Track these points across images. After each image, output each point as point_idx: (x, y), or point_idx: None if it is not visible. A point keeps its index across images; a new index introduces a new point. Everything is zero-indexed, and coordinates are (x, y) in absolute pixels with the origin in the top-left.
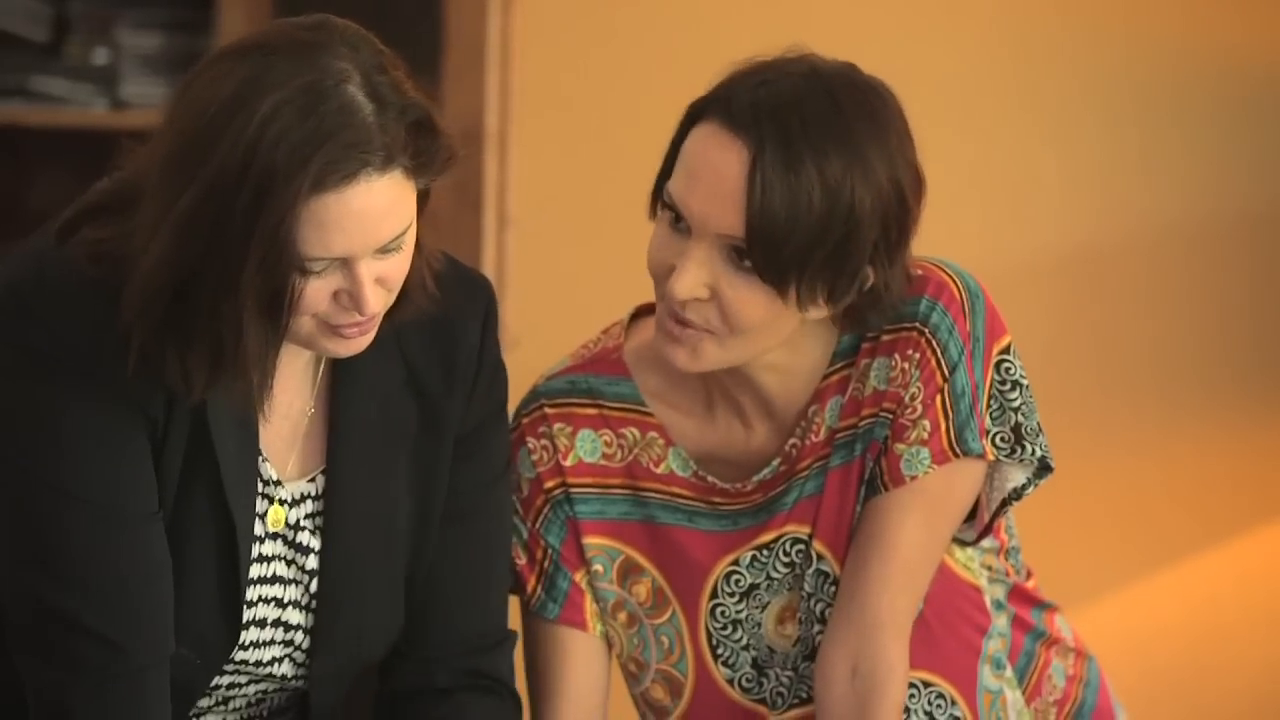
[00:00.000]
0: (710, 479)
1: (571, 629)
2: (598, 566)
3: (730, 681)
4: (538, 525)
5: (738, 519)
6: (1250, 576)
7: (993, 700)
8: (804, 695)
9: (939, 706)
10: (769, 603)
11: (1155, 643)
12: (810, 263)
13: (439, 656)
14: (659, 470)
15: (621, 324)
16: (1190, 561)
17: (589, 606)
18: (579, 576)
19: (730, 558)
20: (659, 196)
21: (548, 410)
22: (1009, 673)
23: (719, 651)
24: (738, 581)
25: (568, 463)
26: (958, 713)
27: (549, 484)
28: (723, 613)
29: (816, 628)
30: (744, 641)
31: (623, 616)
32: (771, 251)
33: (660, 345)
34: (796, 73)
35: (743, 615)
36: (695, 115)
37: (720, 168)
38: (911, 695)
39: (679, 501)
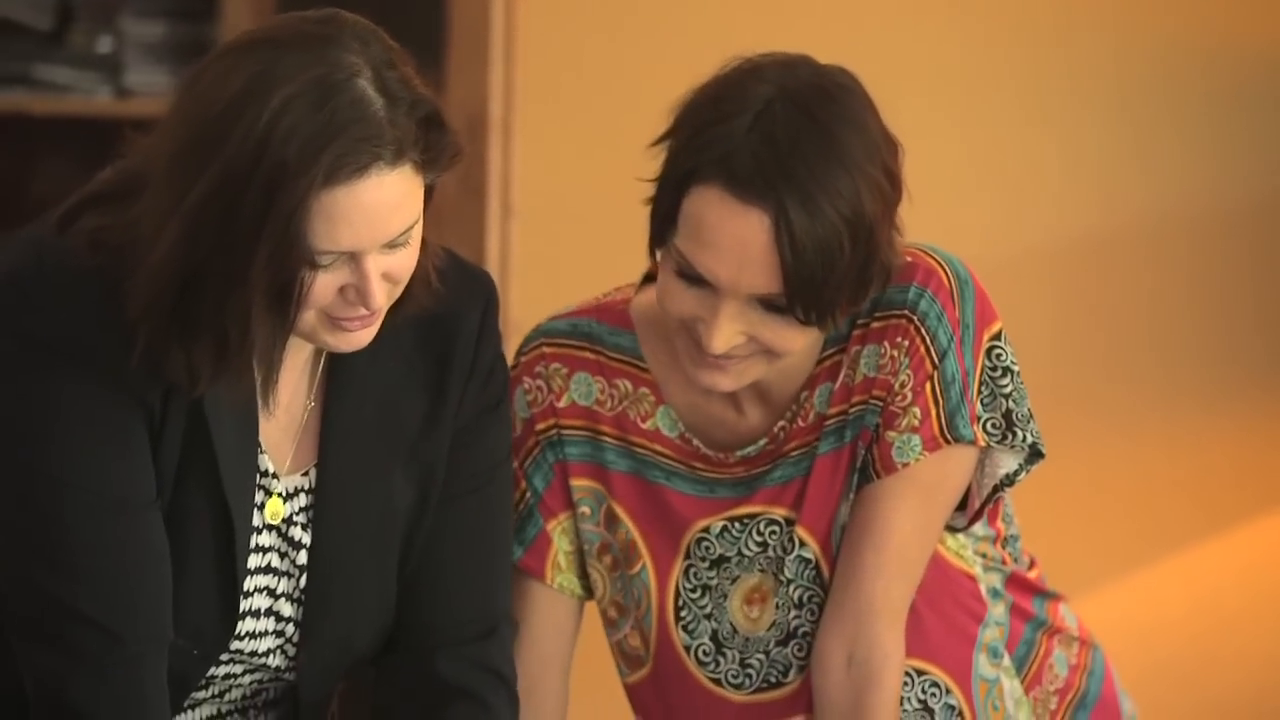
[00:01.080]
0: (695, 443)
1: (529, 576)
2: (584, 509)
3: (687, 649)
4: (525, 465)
5: (715, 487)
6: (1253, 566)
7: (989, 689)
8: (774, 679)
9: (933, 695)
10: (738, 578)
11: (1158, 632)
12: (845, 289)
13: (437, 645)
14: (645, 426)
15: (633, 284)
16: (1193, 551)
17: (552, 557)
18: (551, 525)
19: (702, 523)
20: (658, 245)
21: (546, 349)
22: (1006, 661)
23: (683, 615)
24: (708, 549)
25: (561, 404)
26: (953, 701)
27: (541, 425)
28: (695, 575)
29: (794, 613)
30: (708, 610)
31: (607, 560)
32: (812, 297)
33: (695, 373)
34: (767, 97)
35: (713, 583)
36: (686, 176)
37: (743, 235)
38: (906, 683)
39: (659, 459)
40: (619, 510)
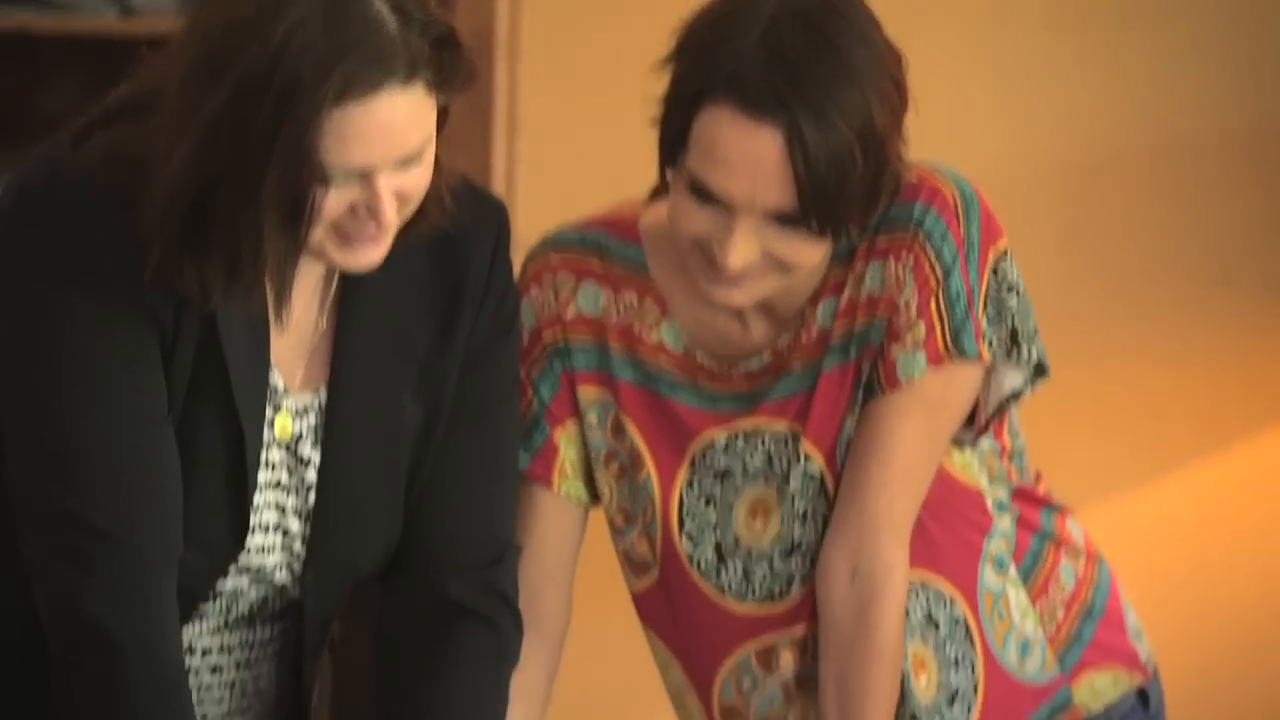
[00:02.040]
0: (699, 357)
1: (537, 483)
2: (591, 417)
3: (690, 559)
4: (531, 374)
5: (718, 401)
6: (1258, 480)
7: (994, 600)
8: (777, 592)
9: (939, 607)
10: (741, 489)
11: (1163, 546)
12: (859, 201)
13: (446, 568)
14: (650, 338)
15: (642, 198)
16: (1198, 465)
17: (558, 465)
18: (558, 433)
19: (708, 435)
20: (669, 165)
21: (554, 259)
22: (1013, 572)
23: (686, 525)
24: (713, 461)
25: (568, 314)
26: (958, 613)
27: (548, 334)
28: (700, 486)
29: (797, 526)
30: (712, 521)
31: (614, 468)
32: (826, 211)
33: (708, 289)
34: (771, 13)
35: (717, 495)
36: (696, 96)
37: (755, 152)
38: (911, 596)
39: (664, 372)
40: (625, 420)
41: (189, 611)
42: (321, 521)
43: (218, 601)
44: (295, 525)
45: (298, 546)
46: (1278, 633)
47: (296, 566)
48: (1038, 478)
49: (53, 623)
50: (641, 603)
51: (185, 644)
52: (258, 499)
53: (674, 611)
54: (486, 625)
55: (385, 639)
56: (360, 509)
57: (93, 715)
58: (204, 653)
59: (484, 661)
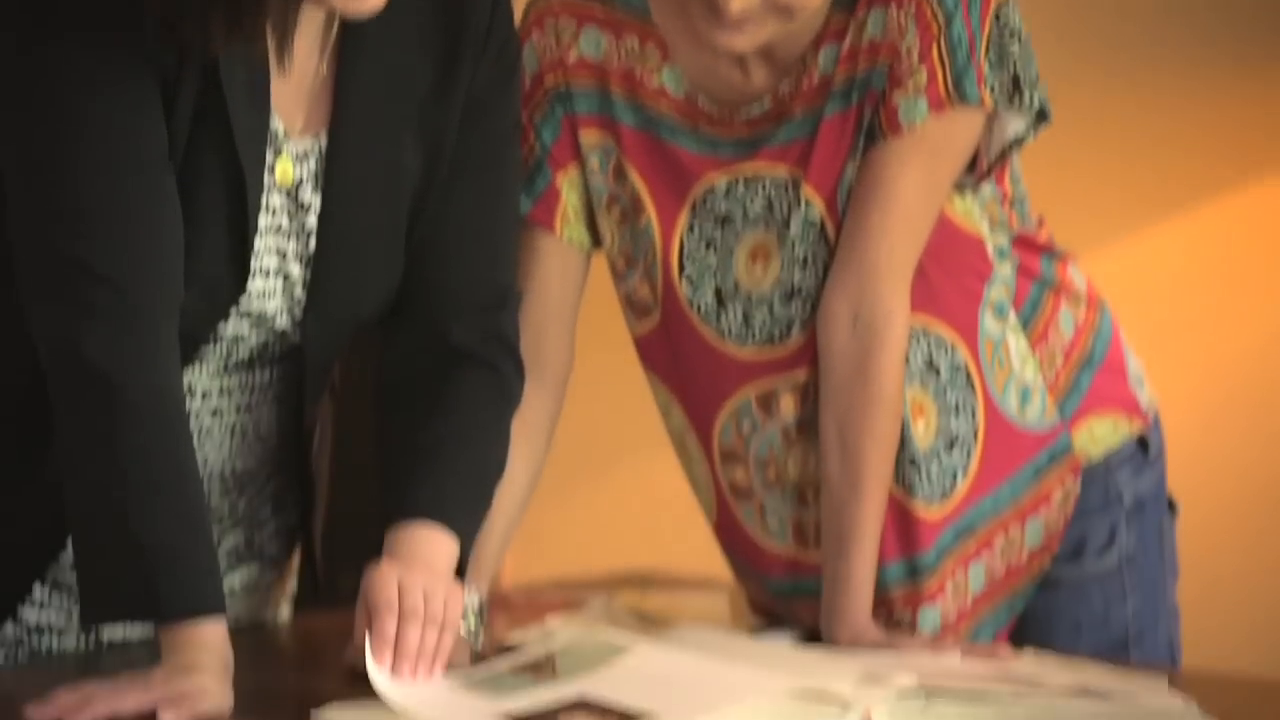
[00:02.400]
0: (700, 102)
1: (540, 228)
2: (593, 161)
3: (690, 303)
4: (533, 119)
5: (719, 146)
6: (1259, 224)
7: (995, 346)
8: (776, 336)
9: (939, 352)
10: (742, 234)
11: (1165, 291)
12: None
13: (448, 313)
14: (652, 83)
15: None
16: (1200, 209)
17: (560, 209)
18: (560, 178)
19: (708, 179)
20: None
21: (555, 3)
22: (1012, 319)
23: (686, 269)
24: (713, 205)
25: (570, 58)
26: (959, 359)
27: (550, 78)
28: (700, 230)
29: (797, 271)
30: (712, 265)
31: (616, 212)
32: None
33: (710, 35)
34: None
35: (717, 239)
36: None
37: None
38: (912, 341)
39: (665, 116)
40: (627, 164)
41: (189, 355)
42: (322, 266)
43: (218, 345)
44: (296, 270)
45: (298, 291)
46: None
47: (297, 311)
48: (1040, 223)
49: (53, 367)
50: (642, 346)
51: (186, 387)
52: (258, 244)
53: (675, 355)
54: (488, 368)
55: (386, 382)
56: (360, 254)
57: (93, 456)
58: (204, 395)
59: (485, 403)
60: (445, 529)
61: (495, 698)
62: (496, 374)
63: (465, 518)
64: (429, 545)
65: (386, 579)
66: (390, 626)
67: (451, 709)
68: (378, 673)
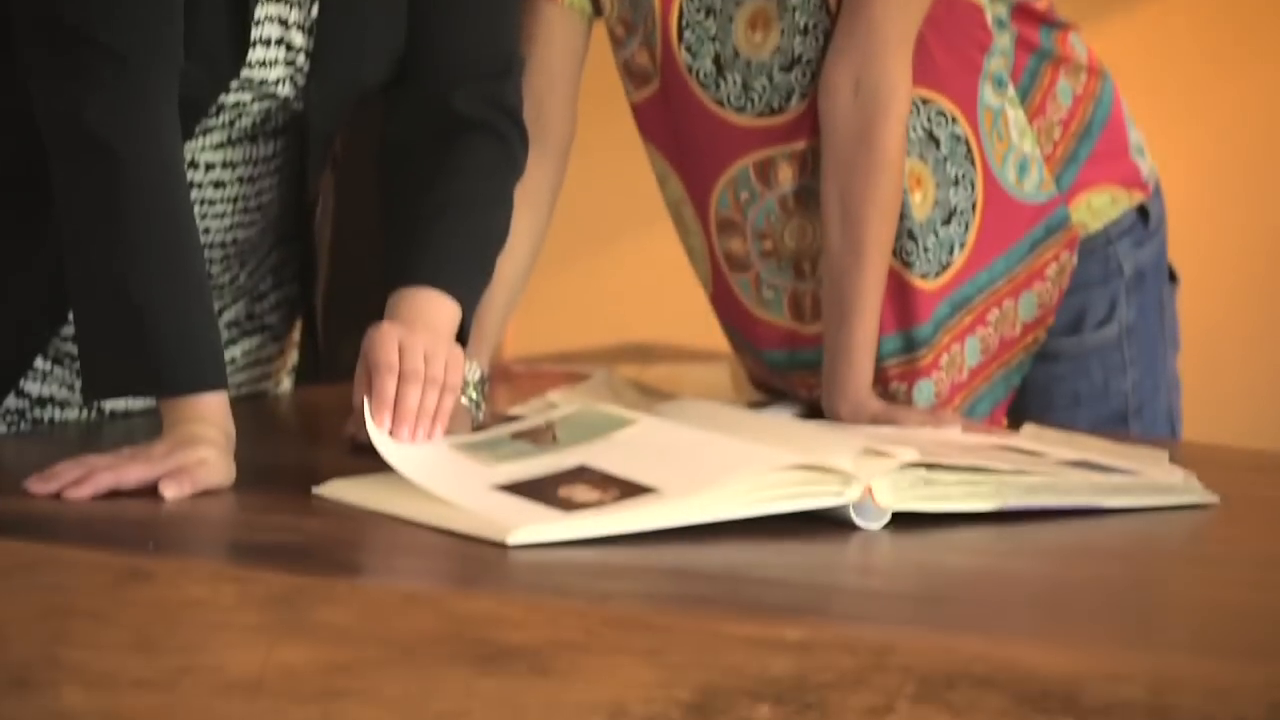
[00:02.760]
0: None
1: None
2: None
3: (690, 69)
4: None
5: None
6: None
7: (993, 117)
8: (776, 105)
9: (939, 123)
10: (742, 1)
11: (1169, 58)
12: None
13: (451, 80)
14: None
15: None
16: None
17: None
18: None
19: None
20: None
21: None
22: (1011, 91)
23: (686, 35)
24: None
25: None
26: (958, 130)
27: None
28: None
29: (798, 39)
30: (712, 32)
31: None
32: None
33: None
34: None
35: (717, 6)
36: None
37: None
38: (912, 112)
39: None
40: None
41: (191, 126)
42: (324, 32)
43: (221, 116)
44: (298, 39)
45: (301, 60)
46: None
47: (300, 79)
48: None
49: (54, 136)
50: (641, 114)
51: (189, 159)
52: (259, 12)
53: (673, 124)
54: (492, 134)
55: (387, 150)
56: (363, 19)
57: (93, 226)
58: (207, 167)
59: (488, 169)
60: (447, 294)
61: (492, 463)
62: (500, 140)
63: (467, 284)
64: (431, 308)
65: (387, 339)
66: (390, 387)
67: (446, 473)
68: (376, 433)
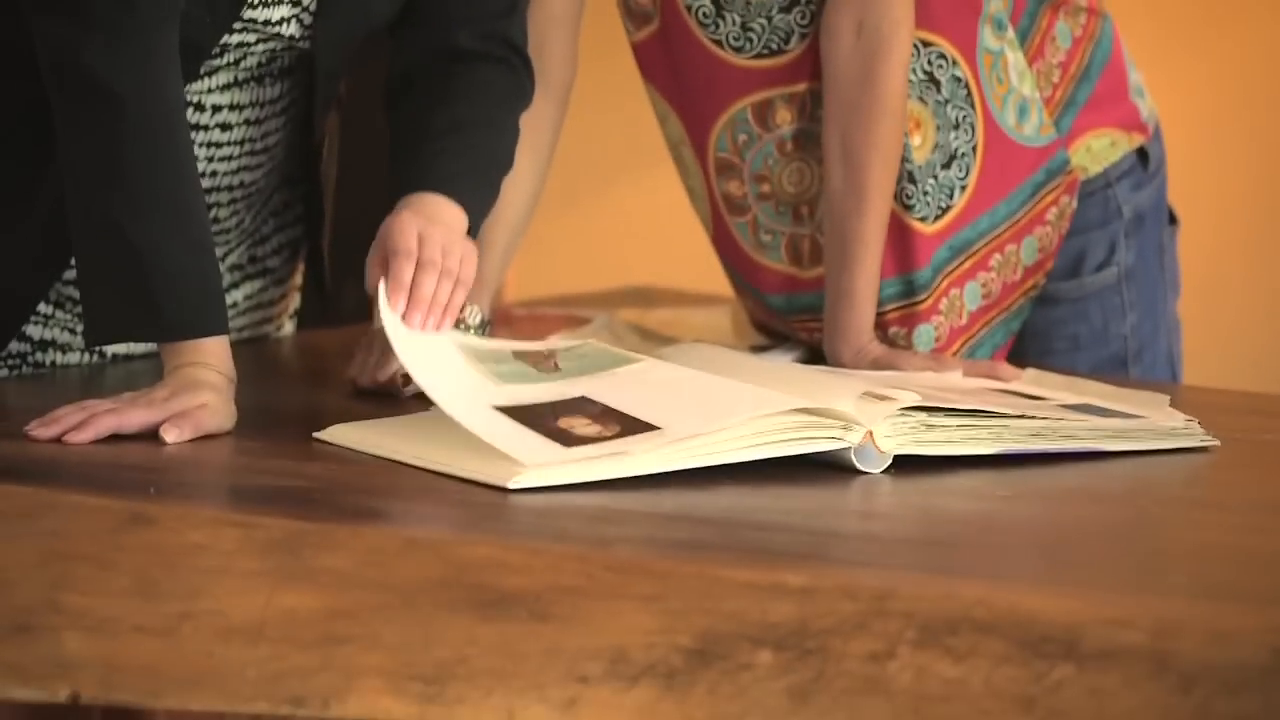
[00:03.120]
0: None
1: None
2: None
3: (689, 9)
4: None
5: None
6: None
7: (993, 60)
8: (775, 46)
9: (939, 66)
10: None
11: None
12: None
13: (459, 18)
14: None
15: None
16: None
17: None
18: None
19: None
20: None
21: None
22: (1010, 34)
23: None
24: None
25: None
26: (958, 72)
27: None
28: None
29: None
30: None
31: None
32: None
33: None
34: None
35: None
36: None
37: None
38: (913, 55)
39: None
40: None
41: (195, 68)
42: None
43: (225, 57)
44: None
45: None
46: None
47: (305, 19)
48: None
49: (54, 79)
50: (641, 53)
51: (195, 102)
52: None
53: (672, 64)
54: (499, 65)
55: (394, 81)
56: None
57: (93, 168)
58: (214, 109)
59: (496, 95)
60: (456, 203)
61: (494, 381)
62: (509, 70)
63: (477, 198)
64: (443, 209)
65: (407, 226)
66: (407, 272)
67: (449, 380)
68: (389, 316)
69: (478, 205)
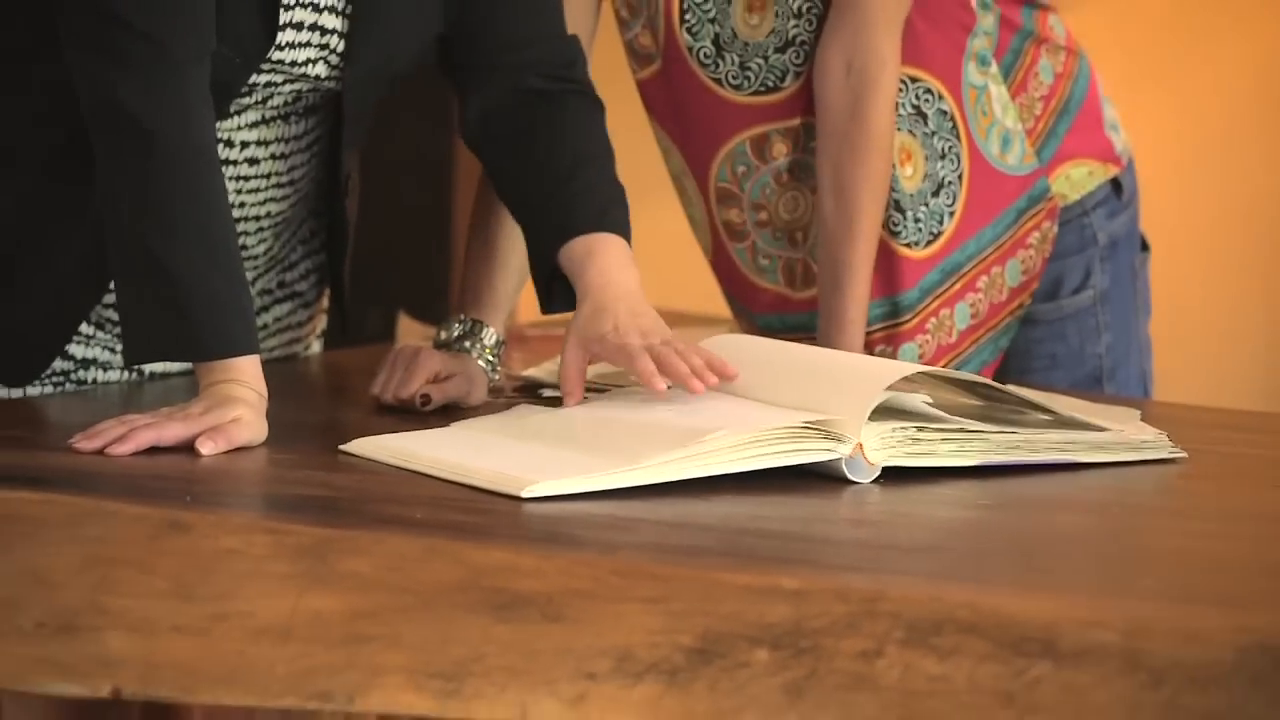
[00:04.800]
0: None
1: None
2: None
3: (690, 50)
4: None
5: None
6: None
7: (978, 95)
8: (771, 84)
9: (926, 100)
10: None
11: (1141, 38)
12: None
13: (528, 63)
14: None
15: None
16: None
17: None
18: None
19: None
20: None
21: None
22: (994, 69)
23: (687, 18)
24: None
25: None
26: (944, 106)
27: None
28: None
29: (792, 22)
30: (711, 14)
31: None
32: None
33: None
34: None
35: None
36: None
37: None
38: (900, 90)
39: None
40: None
41: (225, 106)
42: (359, 13)
43: (253, 96)
44: (331, 22)
45: (334, 42)
46: (1252, 119)
47: (333, 60)
48: None
49: (92, 115)
50: (645, 91)
51: (226, 138)
52: None
53: (675, 100)
54: (580, 96)
55: (474, 124)
56: (396, 2)
57: (129, 199)
58: (243, 145)
59: (590, 122)
60: (614, 234)
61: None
62: (583, 98)
63: (626, 223)
64: (611, 261)
65: (607, 335)
66: (648, 363)
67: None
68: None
69: (628, 228)
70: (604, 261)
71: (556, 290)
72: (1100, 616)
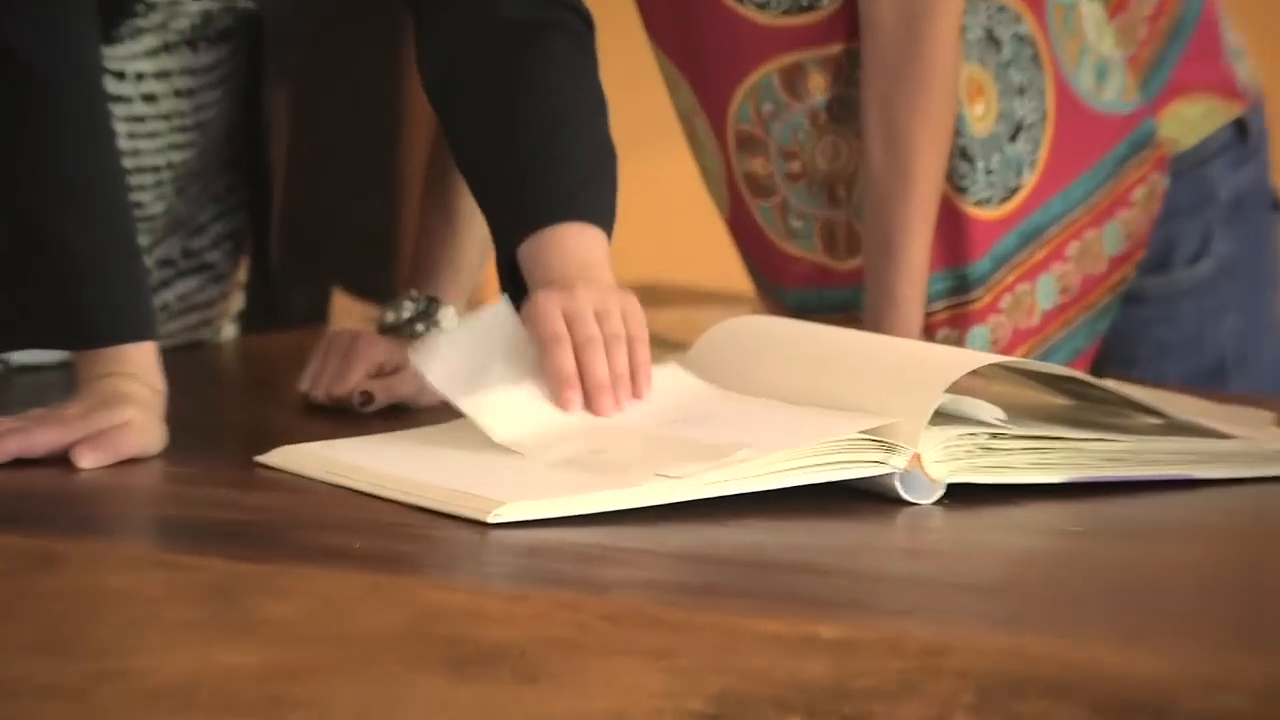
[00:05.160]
0: None
1: None
2: None
3: None
4: None
5: None
6: None
7: (1065, 14)
8: (805, 2)
9: (1001, 22)
10: None
11: None
12: None
13: None
14: None
15: None
16: None
17: None
18: None
19: None
20: None
21: None
22: None
23: None
24: None
25: None
26: (1023, 29)
27: None
28: None
29: None
30: None
31: None
32: None
33: None
34: None
35: None
36: None
37: None
38: (968, 9)
39: None
40: None
41: (115, 29)
42: None
43: (151, 16)
44: None
45: None
46: None
47: None
48: None
49: None
50: (647, 12)
51: (116, 69)
52: None
53: (685, 21)
54: (559, 30)
55: (433, 69)
56: None
57: (6, 141)
58: (137, 78)
59: (576, 70)
60: (588, 224)
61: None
62: (571, 34)
63: (604, 207)
64: (579, 251)
65: (549, 312)
66: (566, 360)
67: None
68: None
69: (607, 213)
70: (561, 264)
71: (521, 282)
72: (1227, 678)
